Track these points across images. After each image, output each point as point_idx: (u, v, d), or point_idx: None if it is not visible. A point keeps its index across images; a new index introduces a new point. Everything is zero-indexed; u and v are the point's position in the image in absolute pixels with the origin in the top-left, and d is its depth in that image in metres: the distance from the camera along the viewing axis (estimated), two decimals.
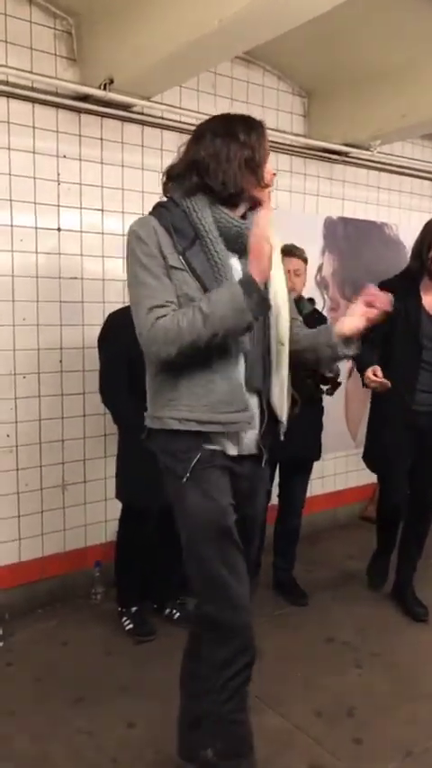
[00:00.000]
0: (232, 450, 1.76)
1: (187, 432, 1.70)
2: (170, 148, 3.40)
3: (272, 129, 2.22)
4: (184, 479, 1.71)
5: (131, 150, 3.29)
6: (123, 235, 3.22)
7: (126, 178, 3.29)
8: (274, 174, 1.78)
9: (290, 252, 2.97)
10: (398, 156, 4.37)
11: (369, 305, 1.74)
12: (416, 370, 2.92)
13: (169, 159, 3.27)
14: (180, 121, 3.39)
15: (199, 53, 2.46)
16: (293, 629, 3.01)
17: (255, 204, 1.76)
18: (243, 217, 1.76)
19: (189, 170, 1.72)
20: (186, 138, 3.47)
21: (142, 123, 3.29)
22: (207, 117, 3.30)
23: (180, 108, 3.35)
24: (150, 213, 1.75)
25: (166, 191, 1.82)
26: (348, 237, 4.24)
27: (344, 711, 2.39)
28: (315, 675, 2.60)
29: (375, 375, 2.75)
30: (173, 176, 1.78)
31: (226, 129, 1.71)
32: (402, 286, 2.91)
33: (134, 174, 3.31)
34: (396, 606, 3.21)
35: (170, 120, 3.36)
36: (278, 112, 3.83)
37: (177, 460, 1.73)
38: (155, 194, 3.31)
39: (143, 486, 2.74)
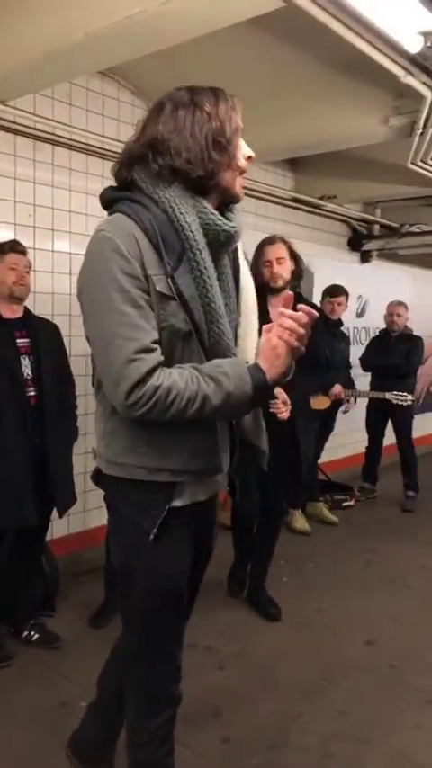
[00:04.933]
0: (202, 497, 1.56)
1: (155, 482, 1.47)
2: (23, 155, 3.32)
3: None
4: (151, 536, 1.47)
5: None
6: None
7: None
8: (251, 158, 1.49)
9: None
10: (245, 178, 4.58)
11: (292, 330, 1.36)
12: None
13: (22, 166, 3.27)
14: (34, 128, 3.32)
15: (64, 63, 2.43)
16: None
17: (228, 198, 1.49)
18: (221, 213, 1.46)
19: (149, 150, 1.41)
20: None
21: None
22: (61, 125, 3.35)
23: (34, 114, 3.28)
24: (122, 212, 1.39)
25: (122, 177, 1.47)
26: None
27: (210, 713, 2.46)
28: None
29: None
30: (134, 159, 1.44)
31: (190, 98, 1.43)
32: None
33: None
34: (252, 608, 3.35)
35: (23, 125, 3.28)
36: (134, 128, 3.84)
37: (144, 514, 1.48)
38: (7, 201, 3.25)
39: None
